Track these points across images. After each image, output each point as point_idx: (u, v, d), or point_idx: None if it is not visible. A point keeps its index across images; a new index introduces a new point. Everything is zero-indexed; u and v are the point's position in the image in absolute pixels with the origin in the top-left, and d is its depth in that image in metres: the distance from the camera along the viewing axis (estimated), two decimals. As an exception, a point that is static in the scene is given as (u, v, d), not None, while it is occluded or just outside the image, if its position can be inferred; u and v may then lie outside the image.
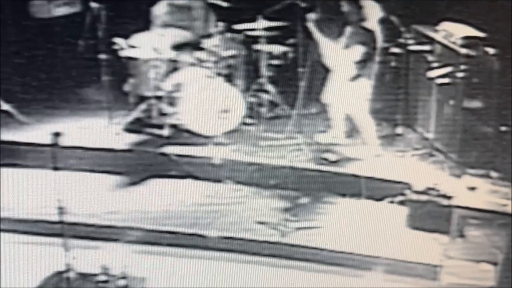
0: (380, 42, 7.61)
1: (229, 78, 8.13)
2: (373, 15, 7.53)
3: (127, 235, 6.74)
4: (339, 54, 7.63)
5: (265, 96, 8.39)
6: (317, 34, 7.68)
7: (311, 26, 7.70)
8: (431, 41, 7.81)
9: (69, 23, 8.68)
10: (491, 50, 7.32)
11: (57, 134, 5.87)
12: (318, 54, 7.83)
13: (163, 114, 7.97)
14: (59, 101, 8.49)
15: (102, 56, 8.07)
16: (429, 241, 6.72)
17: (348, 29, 7.60)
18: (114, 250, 6.51)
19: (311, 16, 7.71)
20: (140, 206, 7.17)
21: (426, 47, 7.82)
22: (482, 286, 6.09)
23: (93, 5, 8.11)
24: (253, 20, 8.25)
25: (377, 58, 7.66)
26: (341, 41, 7.65)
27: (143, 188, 7.47)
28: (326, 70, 7.81)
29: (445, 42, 7.62)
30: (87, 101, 8.50)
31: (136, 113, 8.09)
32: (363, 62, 7.55)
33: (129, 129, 8.06)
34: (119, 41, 8.02)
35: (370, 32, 7.51)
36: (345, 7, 7.58)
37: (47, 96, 8.52)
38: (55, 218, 6.02)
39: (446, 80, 7.54)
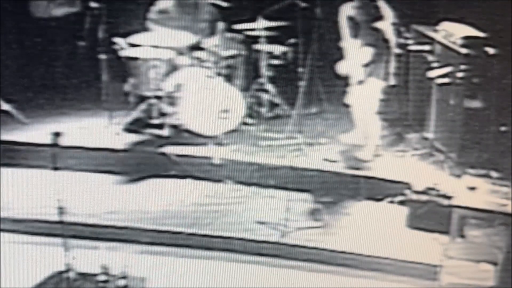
0: (393, 43, 7.58)
1: (229, 78, 8.13)
2: (387, 17, 7.51)
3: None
4: (356, 52, 7.61)
5: (265, 96, 8.40)
6: (344, 26, 7.60)
7: (342, 17, 7.62)
8: (431, 41, 7.81)
9: (69, 23, 8.68)
10: (491, 50, 7.32)
11: (57, 134, 5.87)
12: (321, 52, 7.81)
13: (163, 114, 7.97)
14: (59, 101, 8.50)
15: (102, 56, 8.07)
16: (429, 241, 6.72)
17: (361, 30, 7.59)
18: (114, 250, 6.52)
19: (346, 6, 7.61)
20: (140, 206, 7.17)
21: (426, 47, 7.82)
22: (482, 286, 6.09)
23: (93, 5, 8.11)
24: (253, 20, 8.25)
25: (391, 59, 7.63)
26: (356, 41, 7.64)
27: (143, 188, 7.47)
28: (328, 69, 7.81)
29: (445, 42, 7.62)
30: (87, 101, 8.49)
31: (136, 113, 8.09)
32: (372, 64, 7.52)
33: (129, 129, 8.06)
34: (119, 41, 8.02)
35: (379, 32, 7.49)
36: (357, 4, 7.53)
37: (47, 96, 8.52)
38: (55, 218, 6.02)
39: (446, 80, 7.54)
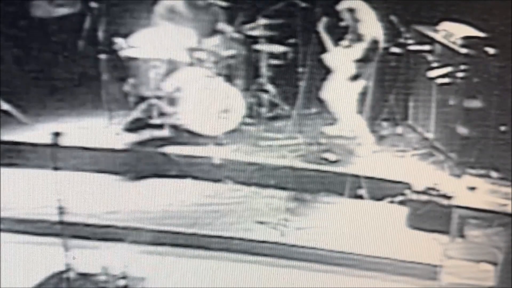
0: (381, 43, 7.64)
1: (229, 78, 8.13)
2: (370, 27, 7.58)
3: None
4: (341, 56, 7.65)
5: (265, 96, 8.40)
6: (326, 39, 7.69)
7: (321, 30, 7.71)
8: (431, 41, 7.81)
9: (69, 23, 8.68)
10: (491, 50, 7.32)
11: (57, 134, 5.87)
12: (320, 52, 7.84)
13: (163, 114, 7.97)
14: (59, 101, 8.50)
15: (102, 56, 8.07)
16: (429, 241, 6.72)
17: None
18: (114, 250, 6.52)
19: (323, 20, 7.71)
20: (140, 206, 7.17)
21: (426, 47, 7.83)
22: (482, 286, 6.09)
23: (93, 5, 8.11)
24: (253, 20, 8.26)
25: (376, 60, 7.70)
26: (343, 43, 7.68)
27: (143, 188, 7.47)
28: (327, 69, 7.83)
29: (445, 42, 7.62)
30: (87, 101, 8.50)
31: (136, 113, 8.09)
32: (363, 62, 7.58)
33: (129, 129, 8.06)
34: (119, 41, 8.02)
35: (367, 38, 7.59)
36: (347, 22, 7.63)
37: (47, 96, 8.53)
38: (55, 218, 6.02)
39: (446, 80, 7.55)
